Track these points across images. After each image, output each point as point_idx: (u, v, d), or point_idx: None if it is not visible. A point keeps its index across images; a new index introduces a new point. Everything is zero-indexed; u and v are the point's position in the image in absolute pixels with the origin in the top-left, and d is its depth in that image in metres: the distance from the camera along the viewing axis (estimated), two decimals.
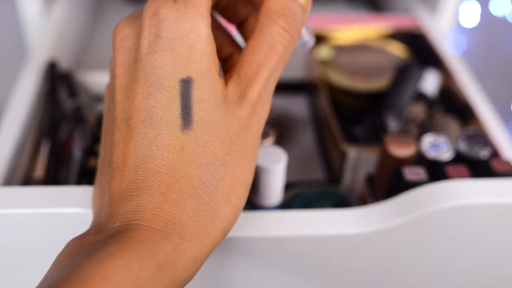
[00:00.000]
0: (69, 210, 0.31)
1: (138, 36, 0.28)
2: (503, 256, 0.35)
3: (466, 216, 0.33)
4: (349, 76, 0.52)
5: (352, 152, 0.43)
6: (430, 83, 0.50)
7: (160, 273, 0.24)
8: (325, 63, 0.54)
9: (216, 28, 0.32)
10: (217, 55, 0.28)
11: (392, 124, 0.47)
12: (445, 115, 0.47)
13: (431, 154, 0.37)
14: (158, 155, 0.26)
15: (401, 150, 0.37)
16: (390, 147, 0.37)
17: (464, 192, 0.32)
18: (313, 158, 0.51)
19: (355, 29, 0.58)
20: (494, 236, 0.34)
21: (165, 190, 0.26)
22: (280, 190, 0.35)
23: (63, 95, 0.48)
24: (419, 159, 0.37)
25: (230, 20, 0.33)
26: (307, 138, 0.53)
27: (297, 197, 0.44)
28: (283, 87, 0.58)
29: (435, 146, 0.37)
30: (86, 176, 0.42)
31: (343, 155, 0.44)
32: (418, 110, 0.46)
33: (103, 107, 0.41)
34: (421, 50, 0.56)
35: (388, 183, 0.38)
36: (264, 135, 0.37)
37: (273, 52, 0.28)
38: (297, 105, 0.57)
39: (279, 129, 0.53)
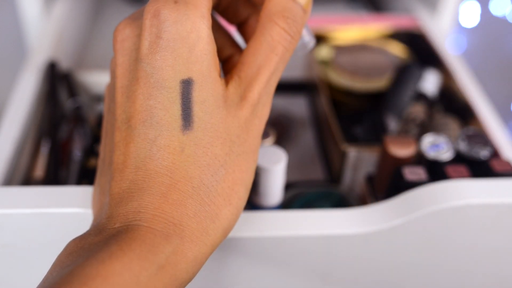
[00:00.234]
0: (69, 210, 0.31)
1: (139, 36, 0.28)
2: (503, 256, 0.35)
3: (466, 216, 0.33)
4: (349, 76, 0.52)
5: (352, 152, 0.43)
6: (430, 83, 0.50)
7: (161, 273, 0.24)
8: (325, 63, 0.54)
9: (217, 29, 0.32)
10: (217, 56, 0.28)
11: (392, 124, 0.47)
12: (445, 115, 0.47)
13: (431, 154, 0.37)
14: (159, 156, 0.26)
15: (401, 150, 0.37)
16: (390, 147, 0.37)
17: (464, 192, 0.32)
18: (313, 158, 0.51)
19: (355, 29, 0.58)
20: (494, 236, 0.34)
21: (165, 191, 0.26)
22: (280, 190, 0.35)
23: (63, 95, 0.48)
24: (419, 159, 0.37)
25: (230, 21, 0.33)
26: (307, 138, 0.53)
27: (297, 197, 0.44)
28: (283, 87, 0.58)
29: (435, 146, 0.37)
30: (86, 176, 0.42)
31: (343, 155, 0.44)
32: (418, 110, 0.46)
33: (103, 107, 0.41)
34: (421, 50, 0.56)
35: (388, 183, 0.38)
36: (264, 135, 0.37)
37: (274, 53, 0.28)
38: (297, 105, 0.57)
39: (279, 129, 0.53)
